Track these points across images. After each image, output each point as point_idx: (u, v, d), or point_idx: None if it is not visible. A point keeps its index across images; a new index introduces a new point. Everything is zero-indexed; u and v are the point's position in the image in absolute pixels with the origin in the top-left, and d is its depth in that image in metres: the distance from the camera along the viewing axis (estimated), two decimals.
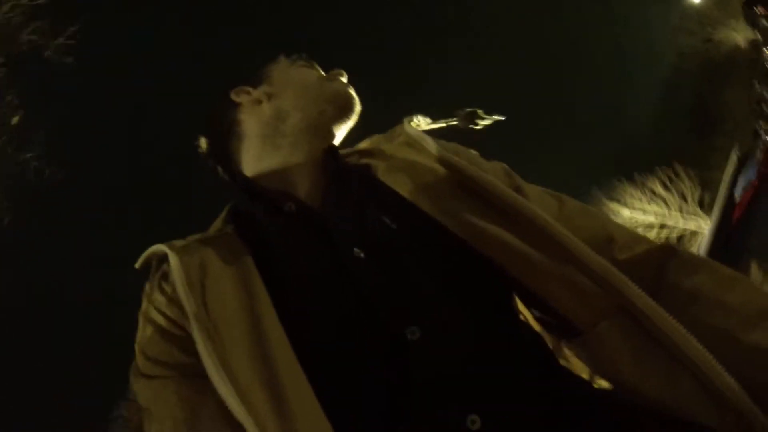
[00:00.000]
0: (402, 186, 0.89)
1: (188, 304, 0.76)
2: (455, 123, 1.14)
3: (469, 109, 1.15)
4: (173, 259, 0.81)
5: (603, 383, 0.86)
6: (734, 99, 14.97)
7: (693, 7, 16.50)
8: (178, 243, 0.87)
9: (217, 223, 0.95)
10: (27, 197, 11.38)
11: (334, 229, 0.84)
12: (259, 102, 1.01)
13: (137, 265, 0.90)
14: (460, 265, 0.81)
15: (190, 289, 0.77)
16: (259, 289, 0.77)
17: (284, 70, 1.06)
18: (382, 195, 0.89)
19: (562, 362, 0.88)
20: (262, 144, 0.99)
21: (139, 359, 0.82)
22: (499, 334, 0.80)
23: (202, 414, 0.74)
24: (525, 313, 0.91)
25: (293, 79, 1.05)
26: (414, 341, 0.74)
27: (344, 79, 1.05)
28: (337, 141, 1.03)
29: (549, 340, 0.91)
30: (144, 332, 0.84)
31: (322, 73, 1.06)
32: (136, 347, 0.84)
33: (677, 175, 15.20)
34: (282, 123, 1.00)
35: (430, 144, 0.93)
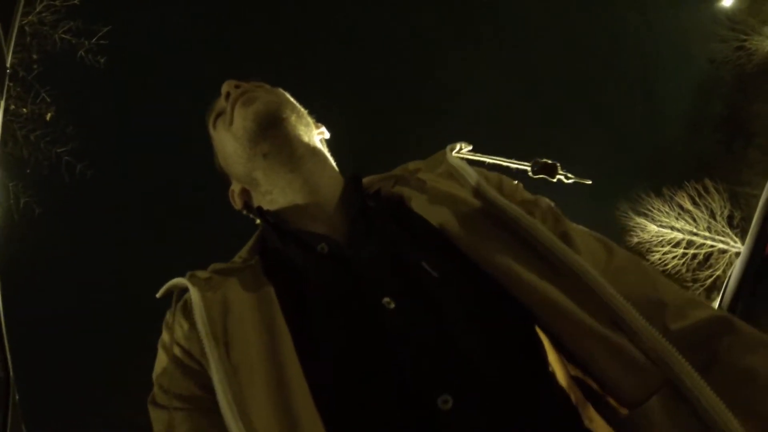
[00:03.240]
0: (442, 223, 0.82)
1: (208, 344, 0.73)
2: (526, 168, 1.04)
3: (548, 161, 1.03)
4: (195, 295, 0.79)
5: None
6: (767, 111, 14.57)
7: (723, 12, 16.03)
8: (201, 275, 0.85)
9: (243, 253, 0.92)
10: (58, 191, 11.68)
11: (363, 274, 0.79)
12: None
13: (158, 295, 0.88)
14: (501, 320, 0.76)
15: (211, 327, 0.75)
16: (283, 331, 0.74)
17: (215, 143, 1.03)
18: (420, 233, 0.83)
19: (586, 423, 0.82)
20: (260, 196, 0.98)
21: (156, 389, 0.81)
22: (532, 397, 0.75)
23: None
24: (554, 365, 0.85)
25: (219, 154, 1.02)
26: (445, 411, 0.68)
27: (241, 106, 0.94)
28: (294, 151, 0.94)
29: (574, 396, 0.85)
30: (162, 363, 0.82)
31: (224, 104, 0.97)
32: (153, 377, 0.83)
33: (707, 190, 14.86)
34: (254, 188, 0.98)
35: (472, 177, 0.86)
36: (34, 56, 10.84)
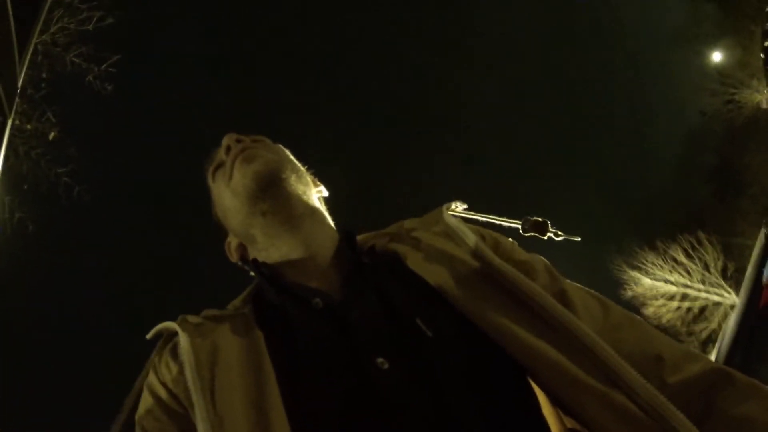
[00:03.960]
0: (438, 281, 0.82)
1: (195, 392, 0.73)
2: (516, 226, 1.03)
3: (539, 219, 1.03)
4: (184, 341, 0.78)
5: None
6: (758, 162, 14.98)
7: (714, 67, 16.68)
8: (192, 320, 0.85)
9: (237, 302, 0.92)
10: (54, 210, 11.65)
11: (357, 331, 0.78)
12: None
13: (148, 337, 0.88)
14: (495, 379, 0.76)
15: (198, 374, 0.75)
16: (271, 382, 0.73)
17: (213, 195, 1.02)
18: (415, 290, 0.83)
19: None
20: (256, 251, 0.97)
21: (138, 430, 0.80)
22: None
23: None
24: (549, 418, 0.85)
25: (217, 206, 1.02)
26: None
27: (241, 162, 0.93)
28: (294, 209, 0.93)
29: None
30: (146, 404, 0.81)
31: (224, 157, 0.97)
32: (137, 417, 0.82)
33: (700, 242, 14.95)
34: (250, 243, 0.97)
35: (470, 238, 0.86)
36: (44, 75, 11.08)
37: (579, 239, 1.08)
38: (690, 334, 14.55)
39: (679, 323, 14.81)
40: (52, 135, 11.48)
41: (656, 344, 0.77)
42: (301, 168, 1.02)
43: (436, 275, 0.82)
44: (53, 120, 11.47)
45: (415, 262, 0.86)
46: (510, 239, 0.95)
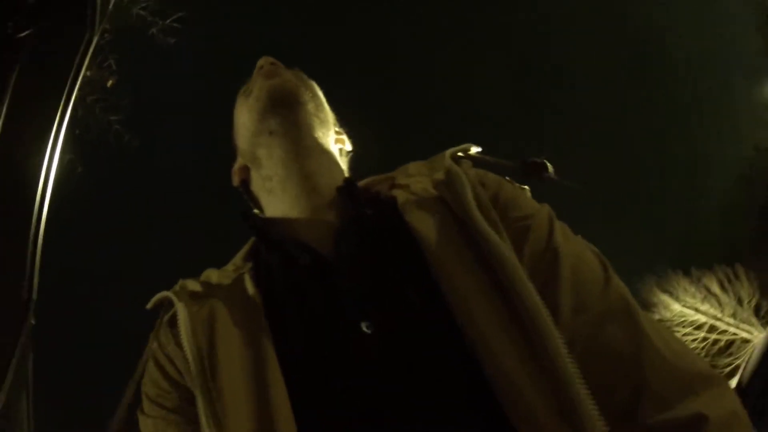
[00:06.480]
0: (427, 241, 0.76)
1: (193, 364, 0.73)
2: (511, 165, 0.91)
3: (537, 159, 0.90)
4: (181, 312, 0.78)
5: None
6: None
7: None
8: (191, 286, 0.84)
9: (237, 260, 0.89)
10: (103, 154, 12.07)
11: (344, 294, 0.76)
12: (240, 167, 0.99)
13: (148, 307, 0.87)
14: (457, 363, 0.69)
15: (196, 346, 0.74)
16: (269, 352, 0.72)
17: (235, 115, 0.98)
18: (409, 252, 0.77)
19: None
20: (260, 180, 0.94)
21: (143, 398, 0.81)
22: None
23: None
24: None
25: (234, 126, 0.98)
26: None
27: (262, 78, 0.91)
28: (306, 140, 0.90)
29: None
30: (149, 372, 0.81)
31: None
32: (142, 387, 0.82)
33: (737, 276, 14.51)
34: (255, 167, 0.94)
35: (466, 190, 0.78)
36: (107, 26, 11.40)
37: (580, 187, 0.94)
38: (713, 367, 14.16)
39: (703, 354, 14.46)
40: (110, 82, 11.81)
41: (644, 365, 0.65)
42: (326, 107, 0.98)
43: (426, 233, 0.77)
44: (114, 68, 11.77)
45: (410, 215, 0.80)
46: (524, 186, 0.87)
